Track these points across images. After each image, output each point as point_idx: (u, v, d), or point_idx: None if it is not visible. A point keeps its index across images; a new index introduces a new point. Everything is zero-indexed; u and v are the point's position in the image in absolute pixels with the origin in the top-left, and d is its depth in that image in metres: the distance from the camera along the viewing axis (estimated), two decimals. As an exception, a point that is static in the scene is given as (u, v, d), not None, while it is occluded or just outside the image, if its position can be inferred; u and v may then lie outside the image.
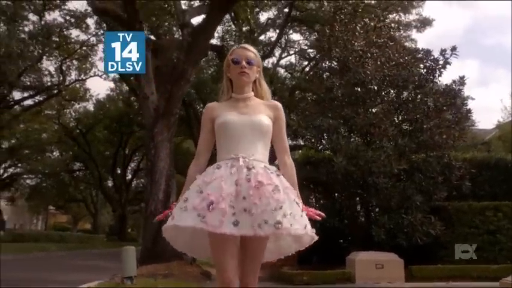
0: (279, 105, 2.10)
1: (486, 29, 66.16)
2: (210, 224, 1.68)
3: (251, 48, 2.11)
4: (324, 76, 8.95)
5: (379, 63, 8.01)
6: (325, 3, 13.39)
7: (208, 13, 9.33)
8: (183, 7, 12.13)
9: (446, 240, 7.69)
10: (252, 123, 1.94)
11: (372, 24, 8.69)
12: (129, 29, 10.12)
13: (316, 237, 1.85)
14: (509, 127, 17.55)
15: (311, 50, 19.49)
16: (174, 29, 14.13)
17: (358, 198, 8.42)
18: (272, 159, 2.06)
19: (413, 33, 17.52)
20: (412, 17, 17.13)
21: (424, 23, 17.25)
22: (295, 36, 20.06)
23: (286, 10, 16.59)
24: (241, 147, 1.90)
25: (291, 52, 20.91)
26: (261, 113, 2.00)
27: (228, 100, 2.07)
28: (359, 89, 7.92)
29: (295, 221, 1.75)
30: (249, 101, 2.04)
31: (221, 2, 9.03)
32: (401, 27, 17.13)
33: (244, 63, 2.00)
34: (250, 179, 1.77)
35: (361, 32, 8.78)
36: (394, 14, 16.27)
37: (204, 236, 1.82)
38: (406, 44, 17.59)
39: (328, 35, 8.81)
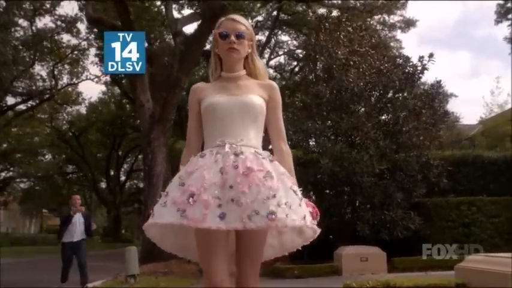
0: (274, 84, 1.90)
1: (477, 20, 67.33)
2: (191, 218, 1.49)
3: (241, 19, 1.87)
4: (311, 81, 9.63)
5: (361, 70, 8.71)
6: (310, 13, 14.03)
7: (200, 25, 9.97)
8: (175, 15, 12.72)
9: (425, 234, 8.44)
10: (242, 104, 1.75)
11: (355, 34, 9.33)
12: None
13: (318, 230, 1.67)
14: (492, 123, 18.43)
15: (299, 51, 20.19)
16: (165, 33, 14.67)
17: (345, 197, 9.12)
18: (265, 147, 1.86)
19: (398, 34, 18.23)
20: (396, 17, 17.86)
21: (408, 24, 17.97)
22: (284, 37, 20.64)
23: (274, 13, 17.26)
24: (229, 132, 1.71)
25: (280, 53, 21.59)
26: (252, 93, 1.80)
27: (217, 80, 1.88)
28: (343, 95, 8.60)
29: (292, 211, 1.54)
30: (241, 81, 1.85)
31: (212, 14, 9.65)
32: (386, 28, 17.91)
33: (233, 37, 1.78)
34: (237, 166, 1.59)
35: (345, 40, 9.48)
36: (379, 16, 17.00)
37: (192, 234, 1.65)
38: (392, 44, 18.44)
39: (314, 43, 9.48)
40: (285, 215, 1.52)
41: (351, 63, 8.76)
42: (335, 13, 16.54)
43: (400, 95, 9.05)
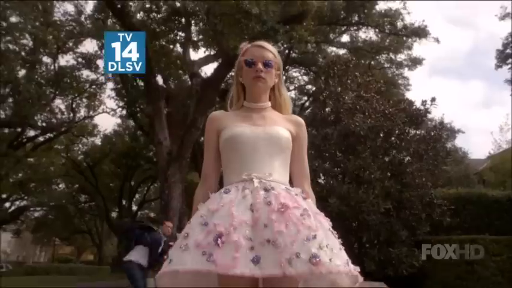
0: (302, 120, 1.79)
1: (489, 50, 68.32)
2: (221, 263, 1.32)
3: (269, 46, 1.76)
4: (320, 124, 10.38)
5: (366, 114, 9.44)
6: (320, 54, 14.95)
7: (217, 69, 10.88)
8: (192, 55, 13.72)
9: (429, 271, 8.94)
10: (268, 136, 1.62)
11: (362, 78, 10.14)
12: (146, 81, 11.68)
13: (361, 278, 1.51)
14: (500, 159, 18.90)
15: (310, 86, 21.11)
16: (182, 73, 15.63)
17: (352, 234, 9.69)
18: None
19: (406, 71, 19.04)
20: (403, 56, 18.75)
21: (415, 62, 18.83)
22: (295, 73, 21.65)
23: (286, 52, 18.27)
24: (255, 167, 1.58)
25: (291, 88, 22.54)
26: (278, 125, 1.68)
27: (239, 109, 1.76)
28: (350, 137, 9.32)
29: (335, 255, 1.39)
30: (265, 112, 1.72)
31: (228, 60, 10.56)
32: (393, 66, 18.78)
33: (260, 65, 1.68)
34: (270, 202, 1.45)
35: (352, 85, 10.28)
36: (386, 55, 17.91)
37: (213, 283, 1.47)
38: (400, 81, 19.27)
39: (323, 88, 10.30)
40: (329, 259, 1.35)
41: (358, 107, 9.52)
42: (343, 52, 17.57)
43: (404, 137, 9.73)
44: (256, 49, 1.73)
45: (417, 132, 10.13)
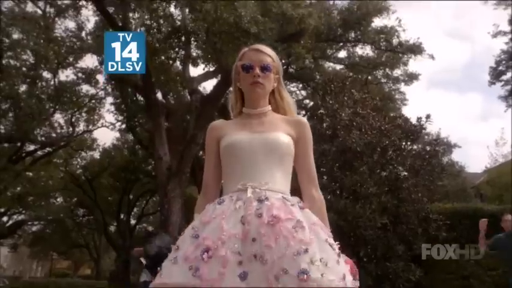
0: (304, 120, 1.74)
1: (486, 63, 68.83)
2: (206, 278, 1.30)
3: (267, 49, 1.73)
4: (317, 140, 10.62)
5: (363, 130, 9.68)
6: (317, 71, 15.26)
7: (216, 85, 11.15)
8: (191, 71, 14.00)
9: (426, 285, 9.09)
10: (266, 143, 1.59)
11: (358, 95, 10.40)
12: (146, 97, 11.93)
13: None
14: (496, 173, 19.12)
15: (307, 101, 21.41)
16: (181, 88, 15.90)
17: (349, 249, 9.85)
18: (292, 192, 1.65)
19: (402, 86, 19.33)
20: (399, 71, 19.09)
21: (411, 77, 19.15)
22: (293, 88, 22.00)
23: (284, 67, 18.60)
24: (251, 175, 1.54)
25: (289, 102, 22.84)
26: (278, 130, 1.63)
27: (238, 116, 1.75)
28: (347, 153, 9.54)
29: (328, 270, 1.33)
30: (265, 117, 1.70)
31: (227, 77, 10.83)
32: (390, 81, 19.11)
33: (257, 70, 1.65)
34: (261, 214, 1.41)
35: (349, 101, 10.53)
36: (383, 70, 18.23)
37: None
38: (397, 96, 19.58)
39: (320, 105, 10.55)
40: (320, 275, 1.30)
41: (354, 124, 9.76)
42: (341, 67, 17.89)
43: (400, 152, 9.95)
44: (253, 53, 1.69)
45: (413, 147, 10.36)
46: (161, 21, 11.19)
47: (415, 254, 9.44)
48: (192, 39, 10.60)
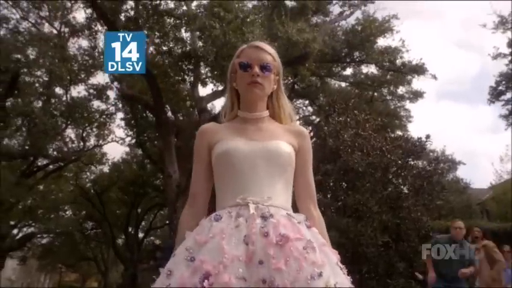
0: (305, 130, 1.63)
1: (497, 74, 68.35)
2: None
3: (267, 47, 1.61)
4: (321, 160, 11.14)
5: (365, 151, 10.19)
6: (324, 91, 15.84)
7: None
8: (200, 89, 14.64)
9: (426, 302, 9.48)
10: (267, 152, 1.46)
11: (360, 116, 10.93)
12: (156, 116, 12.56)
13: None
14: (502, 189, 19.42)
15: (314, 117, 21.98)
16: (189, 107, 16.54)
17: (351, 266, 10.31)
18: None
19: (407, 104, 19.80)
20: (404, 89, 19.60)
21: (416, 95, 19.66)
22: (299, 105, 22.61)
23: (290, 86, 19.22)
24: (251, 188, 1.41)
25: (295, 118, 23.42)
26: (278, 139, 1.51)
27: (232, 121, 1.61)
28: (349, 173, 10.05)
29: None
30: (262, 123, 1.57)
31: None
32: (395, 99, 19.62)
33: (256, 69, 1.53)
34: (267, 233, 1.29)
35: (352, 122, 11.06)
36: (387, 88, 18.76)
37: None
38: (402, 113, 20.06)
39: (324, 125, 11.09)
40: None
41: (356, 144, 10.28)
42: (346, 85, 18.45)
43: (401, 171, 10.44)
44: (252, 50, 1.56)
45: (414, 166, 10.82)
46: (172, 44, 11.85)
47: (416, 271, 9.87)
48: (202, 63, 11.23)
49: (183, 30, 11.44)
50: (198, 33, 10.95)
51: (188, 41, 11.63)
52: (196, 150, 1.60)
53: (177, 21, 11.08)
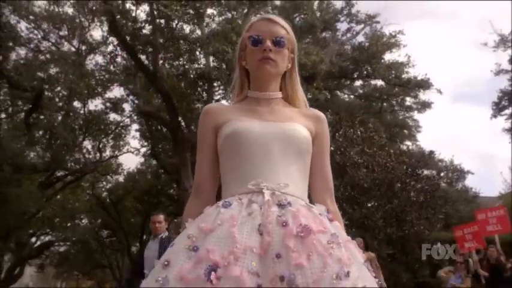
0: (322, 115, 1.47)
1: None
2: None
3: (280, 20, 1.43)
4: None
5: (370, 167, 10.97)
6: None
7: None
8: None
9: (429, 311, 10.19)
10: (284, 134, 1.29)
11: (366, 133, 11.70)
12: (173, 133, 13.48)
13: None
14: (511, 198, 19.85)
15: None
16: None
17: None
18: None
19: (415, 114, 20.43)
20: (412, 100, 20.27)
21: (424, 106, 20.33)
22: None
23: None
24: (265, 173, 1.24)
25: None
26: (294, 120, 1.35)
27: (242, 101, 1.44)
28: (355, 189, 10.83)
29: None
30: (276, 105, 1.41)
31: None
32: (403, 109, 20.30)
33: (268, 43, 1.36)
34: (286, 222, 1.11)
35: (358, 139, 11.85)
36: (395, 99, 19.46)
37: None
38: (410, 122, 20.72)
39: (331, 143, 11.88)
40: None
41: (362, 161, 11.05)
42: (354, 97, 19.20)
43: (404, 186, 11.18)
44: (264, 23, 1.41)
45: (421, 174, 11.50)
46: (187, 66, 12.76)
47: (419, 282, 10.60)
48: (215, 83, 12.10)
49: (197, 53, 12.33)
50: (211, 57, 11.83)
51: (202, 63, 12.53)
52: (200, 133, 1.42)
53: (192, 46, 11.97)
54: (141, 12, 12.83)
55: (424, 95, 17.08)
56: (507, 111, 15.40)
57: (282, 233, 1.11)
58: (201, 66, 12.33)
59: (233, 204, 1.19)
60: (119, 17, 11.94)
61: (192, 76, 12.21)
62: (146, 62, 12.79)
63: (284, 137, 1.31)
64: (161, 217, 5.64)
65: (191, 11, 12.19)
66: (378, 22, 14.75)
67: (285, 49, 1.41)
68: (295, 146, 1.32)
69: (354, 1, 15.18)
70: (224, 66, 11.33)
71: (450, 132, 50.12)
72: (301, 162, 1.33)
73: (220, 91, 12.92)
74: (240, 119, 1.35)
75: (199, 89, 12.55)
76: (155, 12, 11.93)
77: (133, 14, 12.65)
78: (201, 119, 1.44)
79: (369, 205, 10.59)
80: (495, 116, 15.58)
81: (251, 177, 1.25)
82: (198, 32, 12.57)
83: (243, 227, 1.13)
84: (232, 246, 1.06)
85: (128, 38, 12.30)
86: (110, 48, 14.68)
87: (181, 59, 12.45)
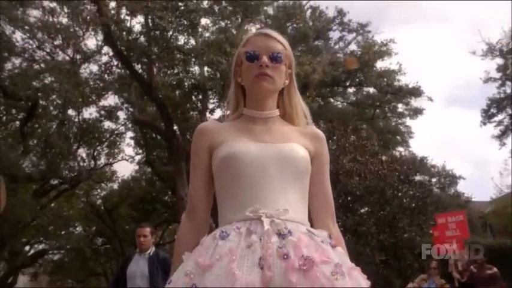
0: (321, 133, 1.44)
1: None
2: None
3: (277, 35, 1.41)
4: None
5: (362, 175, 11.22)
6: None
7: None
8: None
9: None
10: (281, 156, 1.26)
11: (358, 141, 11.96)
12: (168, 142, 13.68)
13: None
14: (502, 203, 20.21)
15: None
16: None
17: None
18: None
19: (407, 120, 20.74)
20: (404, 106, 20.59)
21: (416, 112, 20.65)
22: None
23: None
24: (263, 199, 1.20)
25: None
26: (292, 141, 1.32)
27: (237, 120, 1.40)
28: (348, 197, 11.07)
29: None
30: (273, 124, 1.37)
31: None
32: (395, 116, 20.62)
33: (265, 59, 1.33)
34: (287, 255, 1.08)
35: (350, 147, 12.10)
36: (387, 106, 19.77)
37: None
38: (402, 129, 21.04)
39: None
40: None
41: (354, 169, 11.30)
42: (346, 106, 19.50)
43: (396, 194, 11.44)
44: (260, 38, 1.39)
45: (413, 181, 11.78)
46: (182, 75, 12.99)
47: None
48: (210, 94, 12.33)
49: (192, 64, 12.57)
50: (206, 68, 12.07)
51: (197, 73, 12.76)
52: (194, 153, 1.39)
53: (187, 56, 12.21)
54: (136, 23, 13.08)
55: (416, 102, 17.43)
56: (496, 119, 15.81)
57: (283, 266, 1.07)
58: (196, 76, 12.56)
59: (231, 235, 1.15)
60: (114, 27, 12.15)
61: (186, 86, 12.43)
62: (141, 71, 13.01)
63: (281, 158, 1.27)
64: (147, 230, 5.23)
65: (185, 22, 12.43)
66: (369, 32, 15.08)
67: (282, 65, 1.38)
68: (293, 167, 1.28)
69: (349, 2, 15.47)
70: (218, 75, 11.56)
71: (445, 135, 50.53)
72: (300, 183, 1.30)
73: (214, 100, 13.15)
74: (236, 139, 1.31)
75: (194, 98, 12.75)
76: (150, 24, 12.17)
77: (128, 24, 12.87)
78: (195, 139, 1.40)
79: (362, 212, 10.82)
80: (484, 124, 15.97)
81: (248, 203, 1.21)
82: (192, 41, 12.82)
83: (242, 261, 1.09)
84: (232, 284, 1.03)
85: (123, 48, 12.50)
86: (105, 58, 14.78)
87: (176, 69, 12.66)
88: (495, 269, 7.75)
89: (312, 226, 1.31)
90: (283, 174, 1.26)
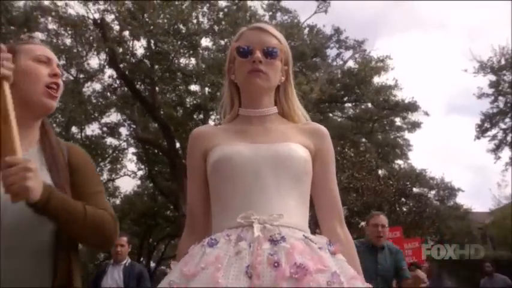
0: (323, 128, 1.36)
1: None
2: None
3: (272, 29, 1.36)
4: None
5: (359, 191, 11.67)
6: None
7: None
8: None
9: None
10: (275, 158, 1.20)
11: (356, 158, 12.44)
12: (170, 160, 14.16)
13: None
14: (501, 214, 20.55)
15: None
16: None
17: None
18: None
19: (406, 134, 21.20)
20: (402, 120, 21.08)
21: (413, 125, 21.14)
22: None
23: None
24: (256, 203, 1.16)
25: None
26: (289, 139, 1.26)
27: (233, 122, 1.36)
28: (346, 213, 11.52)
29: None
30: (271, 122, 1.32)
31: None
32: (393, 130, 21.11)
33: (258, 53, 1.28)
34: (278, 262, 1.02)
35: (348, 163, 12.57)
36: (385, 120, 20.26)
37: None
38: (401, 142, 21.53)
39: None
40: None
41: (352, 186, 11.76)
42: (344, 120, 20.00)
43: (393, 209, 11.88)
44: (254, 32, 1.33)
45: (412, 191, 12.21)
46: (184, 95, 13.52)
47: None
48: (211, 113, 12.86)
49: (193, 85, 13.12)
50: (207, 88, 12.62)
51: (199, 94, 13.30)
52: (189, 160, 1.35)
53: (188, 78, 12.75)
54: (139, 47, 13.66)
55: (413, 116, 17.92)
56: (490, 133, 16.26)
57: (273, 275, 1.00)
58: (198, 96, 13.10)
59: (220, 242, 1.10)
60: (118, 48, 12.69)
61: (188, 106, 12.96)
62: (143, 88, 13.55)
63: (277, 159, 1.20)
64: (124, 240, 5.08)
65: (186, 43, 13.00)
66: (365, 50, 15.63)
67: (278, 60, 1.32)
68: (290, 169, 1.21)
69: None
70: (219, 95, 12.09)
71: (444, 144, 50.86)
72: (298, 185, 1.22)
73: (216, 119, 13.68)
74: (229, 142, 1.26)
75: (195, 117, 13.28)
76: (153, 47, 12.73)
77: (131, 47, 13.45)
78: (190, 144, 1.36)
79: (359, 227, 11.24)
80: (478, 138, 16.41)
81: (241, 208, 1.15)
82: (193, 61, 13.37)
83: (229, 269, 1.02)
84: None
85: (126, 71, 13.06)
86: (107, 77, 15.34)
87: (177, 91, 13.21)
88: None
89: (318, 228, 1.31)
90: (279, 176, 1.19)
